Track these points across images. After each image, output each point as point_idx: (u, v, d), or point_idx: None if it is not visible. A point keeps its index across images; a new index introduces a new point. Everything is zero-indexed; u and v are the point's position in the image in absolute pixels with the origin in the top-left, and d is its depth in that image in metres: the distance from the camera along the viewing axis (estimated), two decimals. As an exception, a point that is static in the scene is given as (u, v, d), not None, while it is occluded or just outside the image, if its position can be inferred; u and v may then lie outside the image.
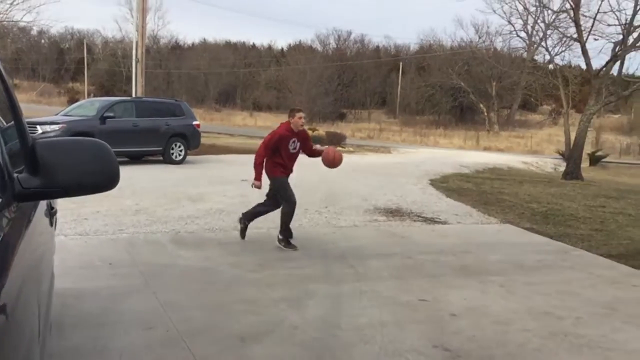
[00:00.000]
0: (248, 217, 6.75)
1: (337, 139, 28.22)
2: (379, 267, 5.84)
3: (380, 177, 14.54)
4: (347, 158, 22.29)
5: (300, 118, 6.45)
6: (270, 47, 77.42)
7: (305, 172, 14.72)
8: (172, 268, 5.47)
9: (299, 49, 66.08)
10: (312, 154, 6.82)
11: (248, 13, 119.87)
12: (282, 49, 74.97)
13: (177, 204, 8.85)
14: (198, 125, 15.68)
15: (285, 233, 6.45)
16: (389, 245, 6.89)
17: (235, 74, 66.28)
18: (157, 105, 15.53)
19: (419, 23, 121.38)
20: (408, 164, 19.82)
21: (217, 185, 11.13)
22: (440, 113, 56.12)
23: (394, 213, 9.29)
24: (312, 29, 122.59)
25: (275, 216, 8.27)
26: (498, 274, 5.85)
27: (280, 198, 6.52)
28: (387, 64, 65.18)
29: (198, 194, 9.92)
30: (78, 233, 6.63)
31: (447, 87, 53.23)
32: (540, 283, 5.55)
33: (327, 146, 7.13)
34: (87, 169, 1.69)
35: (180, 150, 14.98)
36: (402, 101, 59.92)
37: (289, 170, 6.55)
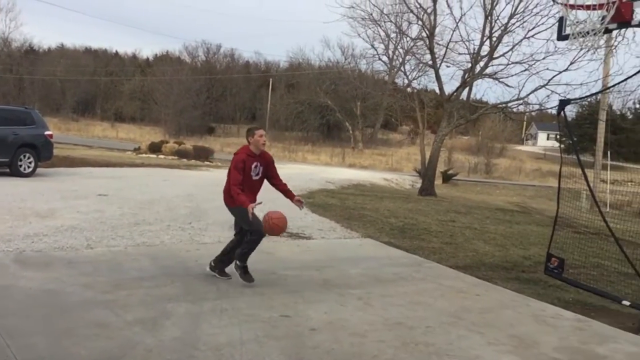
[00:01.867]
0: (241, 257, 5.78)
1: (204, 154, 27.74)
2: (242, 283, 5.76)
3: (247, 193, 14.45)
4: (214, 173, 21.99)
5: (261, 136, 5.66)
6: (134, 56, 74.67)
7: (168, 186, 14.32)
8: (14, 290, 4.98)
9: (166, 60, 64.38)
10: (277, 183, 5.90)
11: (111, 19, 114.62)
12: (148, 58, 72.71)
13: (24, 221, 8.10)
14: (51, 136, 14.56)
15: (243, 260, 5.67)
16: (252, 262, 6.77)
17: (96, 82, 62.86)
18: (3, 113, 14.15)
19: (289, 41, 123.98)
20: (275, 179, 19.90)
21: (70, 200, 10.38)
22: (309, 130, 57.40)
23: (260, 229, 9.26)
24: (180, 40, 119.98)
25: (134, 234, 7.91)
26: (358, 287, 6.04)
27: (246, 228, 5.69)
28: (257, 79, 65.57)
29: (48, 209, 9.17)
30: None
31: (315, 105, 54.66)
32: (395, 295, 5.82)
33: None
34: None
35: (30, 162, 13.80)
36: (271, 117, 60.43)
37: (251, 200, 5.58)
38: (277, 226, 5.58)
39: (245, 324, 4.56)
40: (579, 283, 6.67)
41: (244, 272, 5.67)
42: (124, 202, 10.54)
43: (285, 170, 26.78)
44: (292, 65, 66.67)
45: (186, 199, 11.79)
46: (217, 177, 19.16)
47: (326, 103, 53.64)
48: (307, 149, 48.37)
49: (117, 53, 74.21)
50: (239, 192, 5.45)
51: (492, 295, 6.17)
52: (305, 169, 27.42)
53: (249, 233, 5.66)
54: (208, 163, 26.26)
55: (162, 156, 27.12)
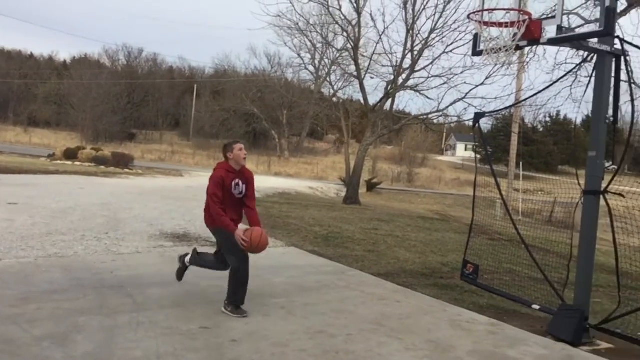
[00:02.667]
0: (194, 261, 5.60)
1: (124, 161, 26.87)
2: (160, 295, 5.60)
3: (170, 201, 14.12)
4: (134, 181, 21.34)
5: (240, 150, 5.21)
6: (51, 58, 71.46)
7: (84, 194, 13.72)
8: None
9: (84, 63, 61.92)
10: (248, 204, 5.35)
11: (26, 20, 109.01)
12: (65, 61, 69.83)
13: None
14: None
15: (235, 297, 5.18)
16: (173, 273, 6.61)
17: (9, 84, 59.48)
18: None
19: (214, 47, 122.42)
20: (200, 187, 19.57)
21: (-25, 208, 9.73)
22: (234, 138, 56.85)
23: (182, 238, 9.05)
24: (99, 43, 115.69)
25: (46, 245, 7.50)
26: (281, 296, 6.01)
27: (227, 253, 5.25)
28: (182, 85, 64.37)
29: (-51, 219, 8.55)
30: None
31: (242, 113, 54.28)
32: (318, 303, 5.84)
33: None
34: None
35: None
36: (196, 124, 59.43)
37: (234, 220, 5.18)
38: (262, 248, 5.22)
39: (162, 337, 4.42)
40: (493, 288, 6.95)
41: (236, 309, 5.17)
42: (36, 211, 10.00)
43: (210, 178, 26.35)
44: (217, 72, 66.02)
45: (103, 208, 11.35)
46: (136, 185, 18.59)
47: (252, 111, 53.42)
48: (232, 157, 47.83)
49: (32, 55, 70.75)
50: (222, 213, 5.04)
51: (412, 301, 6.31)
52: (230, 177, 27.04)
53: (230, 265, 5.23)
54: (128, 170, 25.42)
55: (78, 163, 26.03)
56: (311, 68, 39.84)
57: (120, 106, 51.53)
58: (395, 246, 10.41)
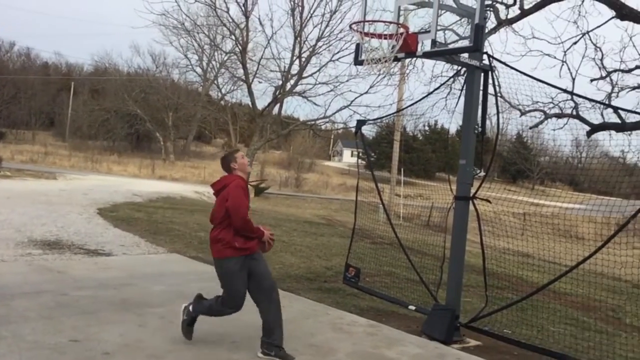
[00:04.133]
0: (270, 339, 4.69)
1: (-11, 161, 24.72)
2: (25, 307, 5.18)
3: (41, 206, 13.17)
4: (2, 183, 19.73)
5: (243, 157, 4.71)
6: None
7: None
8: None
9: (-56, 54, 56.20)
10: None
11: None
12: None
13: None
14: None
15: (193, 313, 4.73)
16: (41, 282, 6.20)
17: None
18: None
19: (94, 44, 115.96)
20: (75, 191, 18.47)
21: None
22: (115, 139, 54.18)
23: (52, 245, 8.47)
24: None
25: None
26: (160, 305, 5.79)
27: (223, 289, 4.67)
28: (57, 82, 60.36)
29: None
30: None
31: (123, 113, 51.77)
32: (200, 311, 5.68)
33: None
34: None
35: None
36: (72, 124, 55.91)
37: (248, 244, 4.59)
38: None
39: (27, 351, 4.08)
40: (373, 290, 7.19)
41: (189, 323, 4.75)
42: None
43: (87, 182, 24.94)
44: (97, 69, 62.56)
45: (-38, 213, 10.35)
46: (4, 188, 17.15)
47: (135, 112, 51.20)
48: (112, 159, 45.57)
49: None
50: (249, 220, 4.55)
51: (296, 306, 6.34)
52: (110, 181, 25.77)
53: (222, 299, 4.71)
54: (-6, 172, 23.37)
55: None
56: (199, 70, 39.18)
57: (-13, 103, 47.31)
58: (281, 251, 10.44)
